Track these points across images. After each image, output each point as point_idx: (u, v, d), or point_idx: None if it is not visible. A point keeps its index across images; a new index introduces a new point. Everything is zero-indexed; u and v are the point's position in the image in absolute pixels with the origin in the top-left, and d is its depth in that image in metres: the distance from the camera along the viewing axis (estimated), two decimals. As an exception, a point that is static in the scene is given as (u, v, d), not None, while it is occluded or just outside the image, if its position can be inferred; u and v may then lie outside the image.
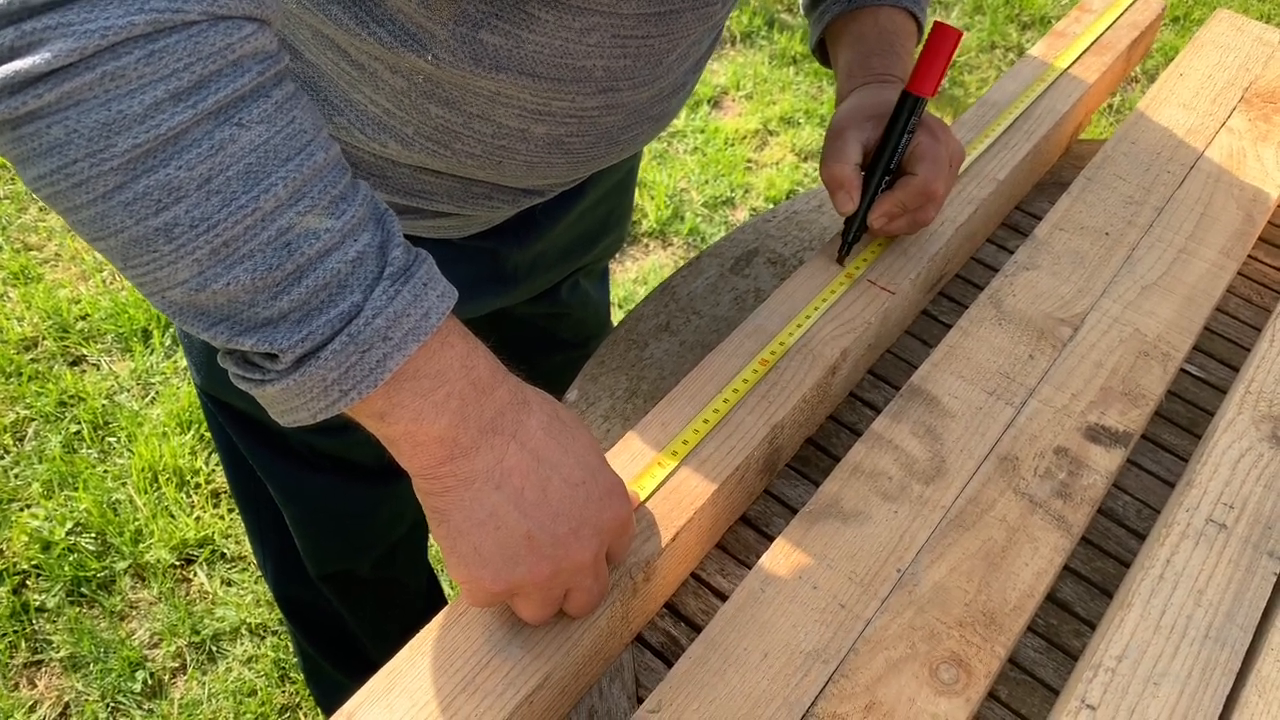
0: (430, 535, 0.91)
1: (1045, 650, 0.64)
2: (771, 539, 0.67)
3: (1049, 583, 0.61)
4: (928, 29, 0.73)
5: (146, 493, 1.59)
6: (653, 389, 0.78)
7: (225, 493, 1.61)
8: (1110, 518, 0.70)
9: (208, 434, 1.68)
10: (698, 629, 0.63)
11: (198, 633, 1.45)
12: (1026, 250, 0.79)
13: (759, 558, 0.61)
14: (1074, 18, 1.00)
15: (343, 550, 1.01)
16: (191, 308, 0.45)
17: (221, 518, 1.58)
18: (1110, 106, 2.41)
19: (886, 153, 0.72)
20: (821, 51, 0.85)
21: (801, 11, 0.85)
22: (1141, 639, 0.58)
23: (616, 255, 2.03)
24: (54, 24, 0.38)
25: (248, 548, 1.55)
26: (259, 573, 1.52)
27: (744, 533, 0.68)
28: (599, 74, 0.63)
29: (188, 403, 1.70)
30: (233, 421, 0.89)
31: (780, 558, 0.61)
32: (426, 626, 0.56)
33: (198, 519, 1.57)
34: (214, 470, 1.63)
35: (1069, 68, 0.94)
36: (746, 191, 2.18)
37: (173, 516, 1.57)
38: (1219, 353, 0.81)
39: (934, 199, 0.72)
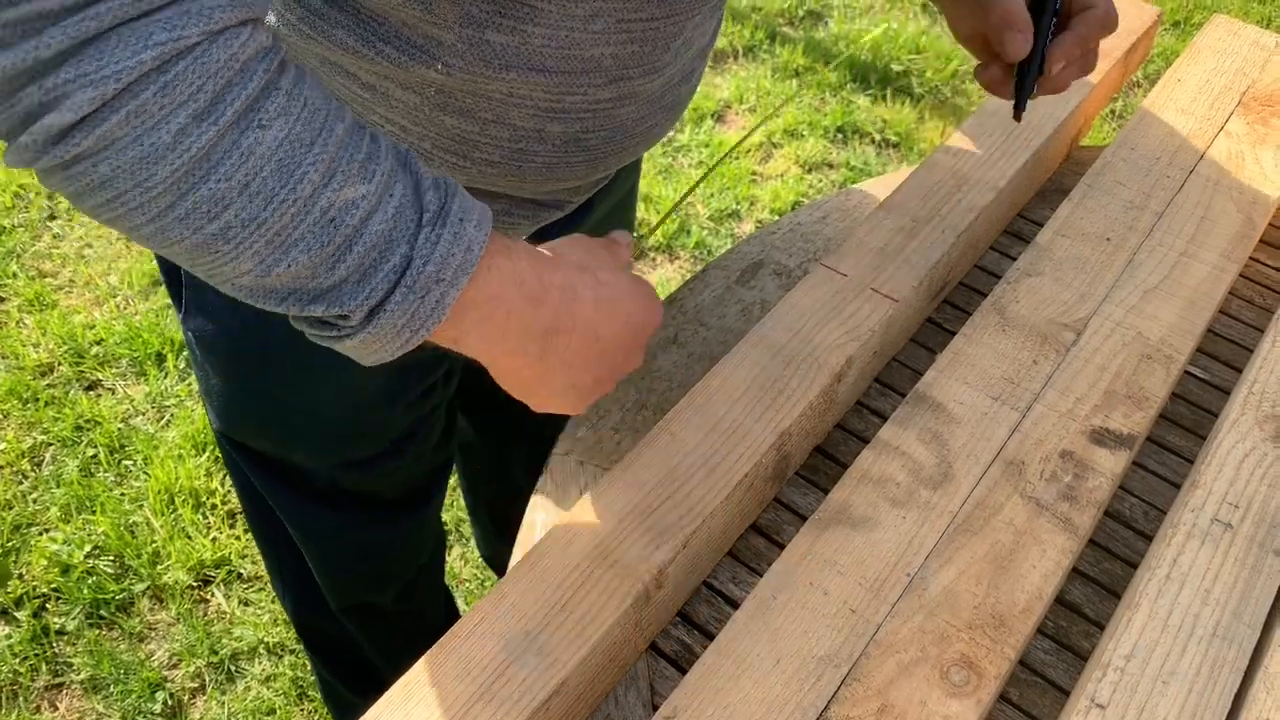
0: (446, 554, 0.90)
1: (1055, 651, 0.64)
2: (782, 546, 0.68)
3: (1056, 585, 0.62)
4: None
5: (163, 515, 1.61)
6: (661, 401, 0.79)
7: (241, 513, 1.62)
8: (1117, 519, 0.71)
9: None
10: (711, 636, 0.64)
11: (216, 653, 1.46)
12: (1029, 257, 0.80)
13: (770, 565, 0.62)
14: (1071, 26, 1.01)
15: (365, 584, 1.02)
16: (261, 289, 0.48)
17: (238, 538, 1.59)
18: (1112, 112, 2.42)
19: None
20: None
21: None
22: (1150, 638, 0.59)
23: (624, 270, 2.05)
24: (71, 76, 0.40)
25: (264, 568, 1.56)
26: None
27: (755, 540, 0.69)
28: (608, 63, 0.65)
29: (202, 425, 1.72)
30: (251, 463, 0.90)
31: (791, 565, 0.61)
32: (442, 638, 0.57)
33: (214, 540, 1.59)
34: (229, 491, 1.65)
35: (1067, 76, 0.95)
36: (752, 204, 2.19)
37: (189, 538, 1.58)
38: (1222, 354, 0.82)
39: (1112, 30, 0.72)
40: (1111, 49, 0.98)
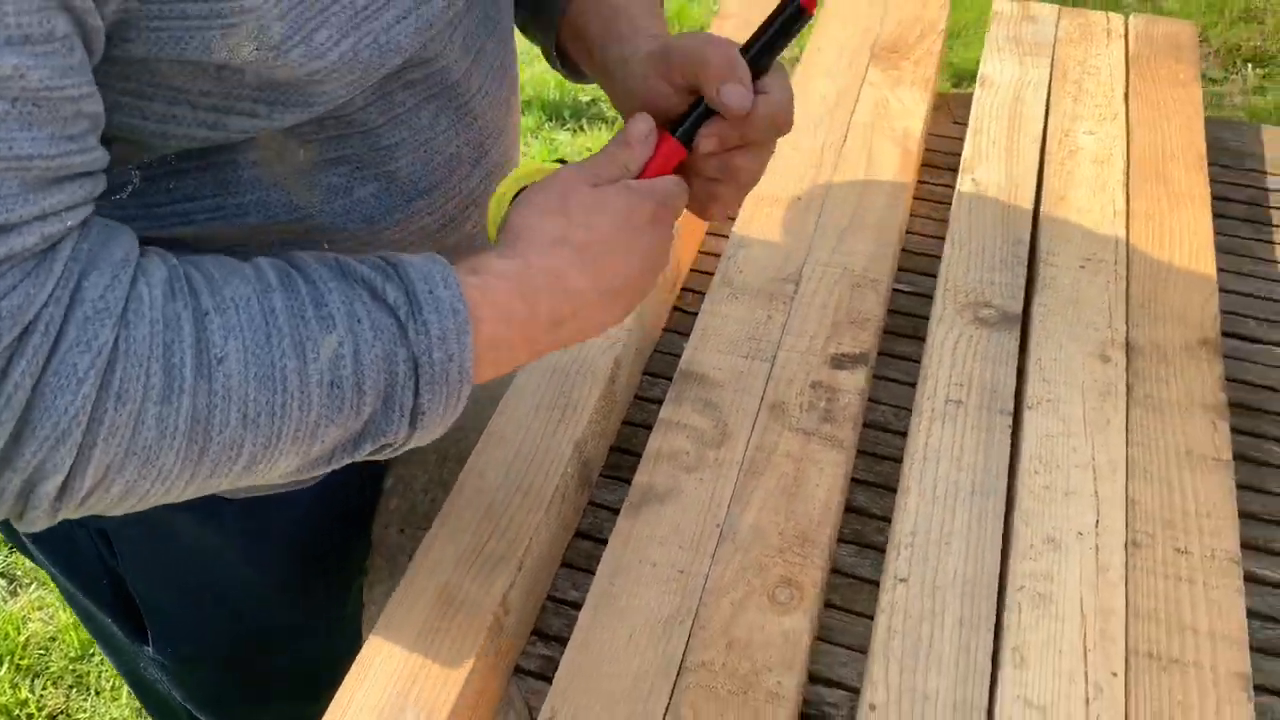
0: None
1: (859, 553, 0.73)
2: (607, 543, 0.74)
3: (840, 494, 0.71)
4: None
5: (-26, 745, 1.48)
6: (461, 450, 0.83)
7: (62, 712, 1.52)
8: (876, 428, 0.81)
9: None
10: (568, 643, 0.69)
11: None
12: (739, 233, 0.90)
13: (601, 563, 0.68)
14: (717, 27, 1.13)
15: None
16: (310, 466, 0.50)
17: (65, 741, 1.49)
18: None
19: (764, 46, 0.57)
20: (563, 59, 0.74)
21: (522, 28, 0.75)
22: (925, 512, 0.69)
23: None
24: (36, 446, 0.41)
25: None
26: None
27: (582, 544, 0.75)
28: (465, 151, 0.65)
29: (-10, 639, 1.60)
30: None
31: (617, 551, 0.67)
32: (327, 714, 0.59)
33: (39, 751, 1.48)
34: (44, 695, 1.54)
35: (727, 69, 1.06)
36: (491, 257, 2.24)
37: (11, 759, 1.47)
38: (919, 266, 0.94)
39: (781, 129, 0.60)
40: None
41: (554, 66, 0.75)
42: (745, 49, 0.57)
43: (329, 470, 0.51)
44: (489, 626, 0.63)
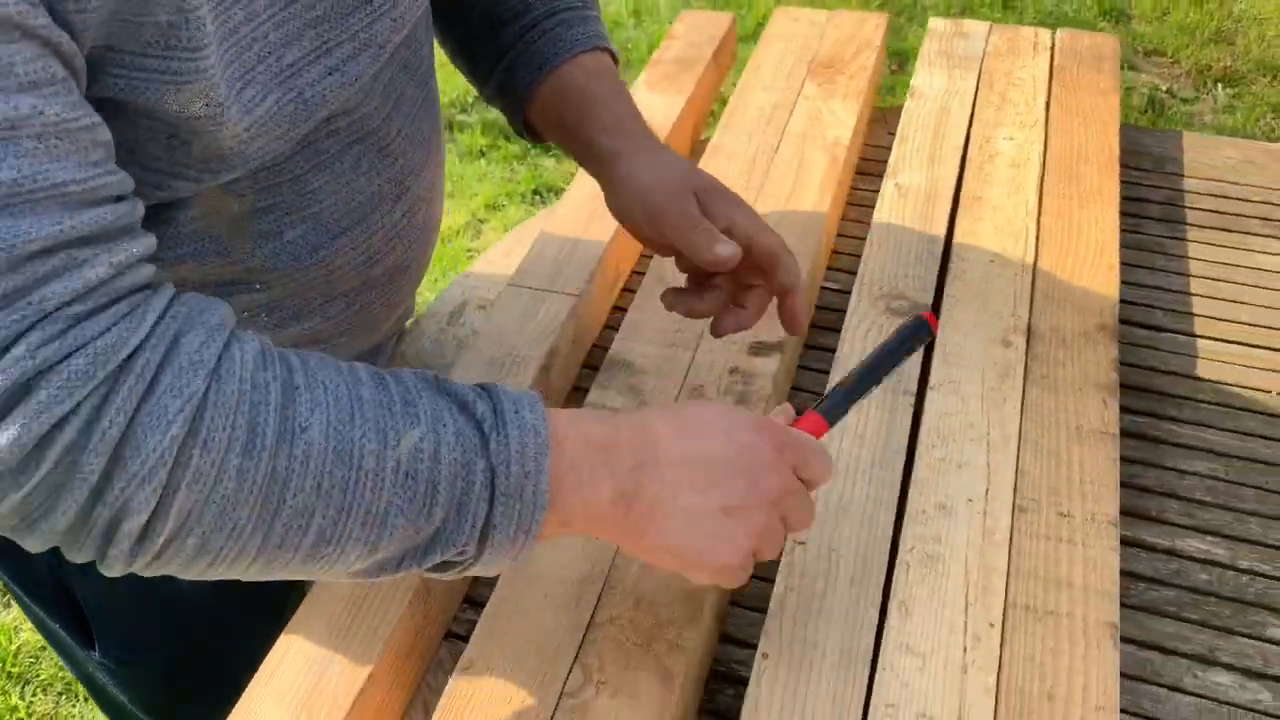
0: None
1: (774, 526, 0.78)
2: (537, 519, 0.79)
3: (750, 468, 0.75)
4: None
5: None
6: (407, 439, 0.89)
7: None
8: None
9: None
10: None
11: None
12: (673, 232, 0.95)
13: (525, 530, 0.73)
14: (665, 47, 1.19)
15: None
16: (376, 567, 0.51)
17: (53, 746, 1.54)
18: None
19: (880, 366, 0.68)
20: (530, 129, 0.81)
21: (488, 100, 0.83)
22: (828, 484, 0.73)
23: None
24: (124, 483, 0.43)
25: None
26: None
27: (514, 523, 0.80)
28: (387, 188, 0.69)
29: (-17, 649, 1.65)
30: None
31: (539, 522, 0.72)
32: (259, 669, 0.64)
33: (28, 756, 1.52)
34: (32, 704, 1.59)
35: (670, 88, 1.12)
36: (476, 279, 2.31)
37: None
38: (847, 266, 1.00)
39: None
40: (701, 56, 1.17)
41: (519, 135, 0.82)
42: (862, 366, 0.67)
43: (391, 575, 0.52)
44: (416, 589, 0.68)
